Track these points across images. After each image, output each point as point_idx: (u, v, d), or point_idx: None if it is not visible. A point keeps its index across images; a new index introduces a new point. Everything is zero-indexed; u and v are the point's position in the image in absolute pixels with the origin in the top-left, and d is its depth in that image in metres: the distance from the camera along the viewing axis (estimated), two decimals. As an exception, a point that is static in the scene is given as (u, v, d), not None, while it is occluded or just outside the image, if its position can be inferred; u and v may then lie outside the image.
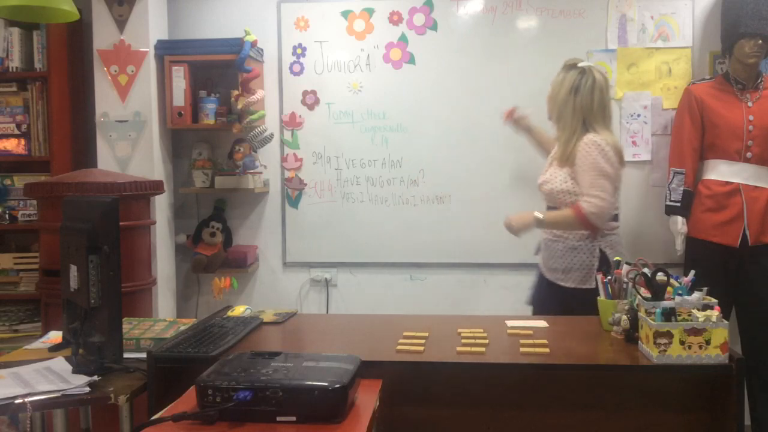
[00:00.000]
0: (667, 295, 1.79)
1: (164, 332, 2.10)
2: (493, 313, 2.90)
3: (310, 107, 3.58)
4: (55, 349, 2.07)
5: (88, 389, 1.74)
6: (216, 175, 3.50)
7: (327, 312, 3.61)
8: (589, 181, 2.58)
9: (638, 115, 3.44)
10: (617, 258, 2.08)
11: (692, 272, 1.88)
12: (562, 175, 2.66)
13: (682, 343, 1.67)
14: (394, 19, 3.52)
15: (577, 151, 2.61)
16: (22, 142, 3.42)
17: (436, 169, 3.51)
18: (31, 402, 1.65)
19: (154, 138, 3.40)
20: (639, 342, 1.81)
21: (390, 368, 1.73)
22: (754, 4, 2.98)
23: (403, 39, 3.52)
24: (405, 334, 1.95)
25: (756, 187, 3.05)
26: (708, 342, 1.66)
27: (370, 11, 3.53)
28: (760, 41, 2.98)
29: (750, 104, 3.08)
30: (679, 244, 3.17)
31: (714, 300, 1.75)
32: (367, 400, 1.52)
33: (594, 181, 2.57)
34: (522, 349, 1.81)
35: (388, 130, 3.54)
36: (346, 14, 3.54)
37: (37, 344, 2.20)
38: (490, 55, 3.48)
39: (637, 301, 1.85)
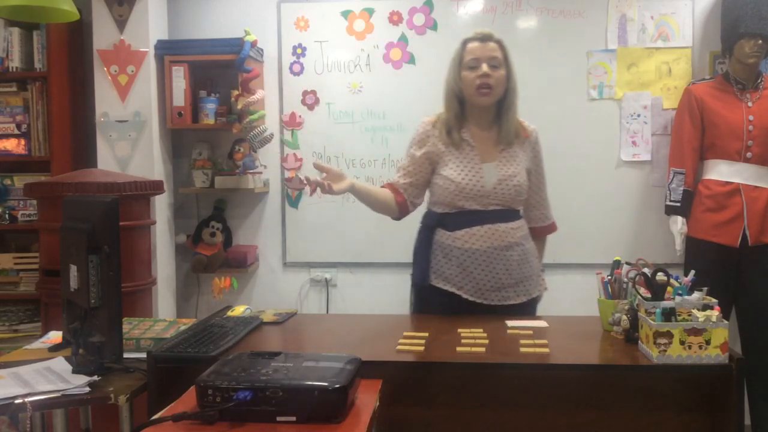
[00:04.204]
0: (667, 295, 1.79)
1: (164, 332, 2.10)
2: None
3: (310, 107, 3.58)
4: (55, 349, 2.07)
5: (88, 389, 1.74)
6: (216, 175, 3.50)
7: (327, 312, 3.62)
8: (546, 186, 2.43)
9: (638, 115, 3.44)
10: (617, 258, 2.08)
11: (692, 272, 1.88)
12: (523, 168, 2.31)
13: (682, 343, 1.67)
14: (394, 19, 3.52)
15: (535, 141, 2.36)
16: (22, 142, 3.42)
17: (436, 169, 3.51)
18: (31, 402, 1.65)
19: (154, 138, 3.40)
20: (639, 342, 1.81)
21: (390, 368, 1.73)
22: (754, 4, 2.98)
23: (403, 39, 3.52)
24: (405, 334, 1.95)
25: (756, 187, 3.05)
26: (708, 342, 1.66)
27: (370, 11, 3.53)
28: (760, 41, 2.98)
29: (750, 104, 3.08)
30: (679, 244, 3.17)
31: (714, 300, 1.75)
32: (367, 400, 1.52)
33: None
34: (522, 349, 1.81)
35: (388, 130, 3.55)
36: (346, 14, 3.54)
37: (37, 344, 2.19)
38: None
39: (637, 301, 1.84)
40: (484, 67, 2.24)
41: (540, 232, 2.43)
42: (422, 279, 2.32)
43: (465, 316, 2.20)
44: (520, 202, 2.32)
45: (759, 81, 3.11)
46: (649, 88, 3.44)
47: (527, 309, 2.30)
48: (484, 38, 2.28)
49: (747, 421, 3.04)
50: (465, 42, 2.32)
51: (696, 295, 1.76)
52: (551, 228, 2.47)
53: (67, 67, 3.47)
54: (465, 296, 2.26)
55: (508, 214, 2.28)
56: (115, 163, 3.39)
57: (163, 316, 3.35)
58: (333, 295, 3.64)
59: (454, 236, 2.27)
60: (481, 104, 2.30)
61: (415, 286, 2.38)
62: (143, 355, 1.80)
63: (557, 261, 3.46)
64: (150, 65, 3.39)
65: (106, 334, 1.83)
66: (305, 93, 3.58)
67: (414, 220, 3.55)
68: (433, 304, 2.31)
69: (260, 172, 3.57)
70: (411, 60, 3.53)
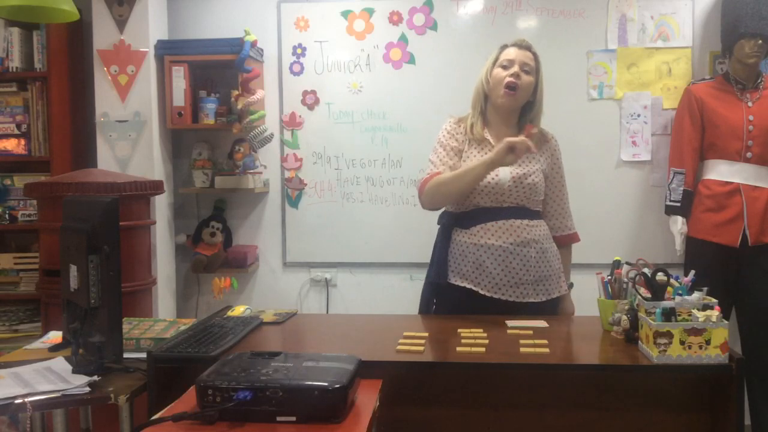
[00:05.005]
0: (667, 295, 1.79)
1: (164, 332, 2.10)
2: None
3: (310, 107, 3.58)
4: (55, 349, 2.07)
5: (88, 389, 1.74)
6: (216, 175, 3.50)
7: (327, 312, 3.62)
8: (567, 196, 2.44)
9: (638, 115, 3.44)
10: (617, 258, 2.08)
11: (692, 272, 1.88)
12: (539, 169, 2.34)
13: (682, 343, 1.67)
14: (394, 19, 3.52)
15: (554, 148, 2.41)
16: (22, 142, 3.42)
17: (436, 169, 3.51)
18: (31, 402, 1.65)
19: (154, 138, 3.40)
20: (639, 342, 1.81)
21: (390, 368, 1.73)
22: (754, 4, 2.98)
23: (403, 39, 3.52)
24: (405, 334, 1.95)
25: (756, 187, 3.05)
26: (708, 342, 1.66)
27: (370, 11, 3.53)
28: (760, 41, 2.98)
29: (750, 104, 3.08)
30: (679, 244, 3.17)
31: (714, 300, 1.75)
32: (367, 400, 1.52)
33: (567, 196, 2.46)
34: (522, 349, 1.81)
35: (388, 130, 3.55)
36: (346, 14, 3.54)
37: (37, 344, 2.19)
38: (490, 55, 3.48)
39: (637, 301, 1.85)
40: (516, 68, 2.29)
41: (560, 242, 2.42)
42: (439, 277, 2.33)
43: (467, 315, 2.20)
44: (537, 202, 2.34)
45: (759, 81, 3.11)
46: (649, 88, 3.44)
47: (547, 308, 2.30)
48: (523, 46, 2.35)
49: (747, 421, 3.04)
50: (503, 46, 2.38)
51: (696, 295, 1.76)
52: (572, 238, 2.45)
53: (67, 67, 3.47)
54: (482, 292, 2.26)
55: (524, 212, 2.30)
56: (115, 163, 3.39)
57: (163, 316, 3.35)
58: (333, 295, 3.64)
59: (470, 233, 2.29)
60: (502, 105, 2.33)
61: (432, 284, 2.38)
62: (143, 355, 1.80)
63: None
64: (150, 65, 3.39)
65: (106, 334, 1.83)
66: (305, 93, 3.58)
67: (416, 220, 3.57)
68: (451, 301, 2.33)
69: (260, 172, 3.57)
70: (411, 60, 3.53)
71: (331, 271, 3.63)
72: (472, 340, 1.88)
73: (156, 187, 3.14)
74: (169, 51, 3.43)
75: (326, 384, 1.39)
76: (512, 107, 2.34)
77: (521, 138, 2.15)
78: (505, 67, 2.31)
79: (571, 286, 2.42)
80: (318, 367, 1.49)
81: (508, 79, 2.28)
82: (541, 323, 2.11)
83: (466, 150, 2.35)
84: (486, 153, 2.31)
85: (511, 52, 2.33)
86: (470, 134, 2.35)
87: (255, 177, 3.51)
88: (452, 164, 2.33)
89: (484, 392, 1.80)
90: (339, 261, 3.62)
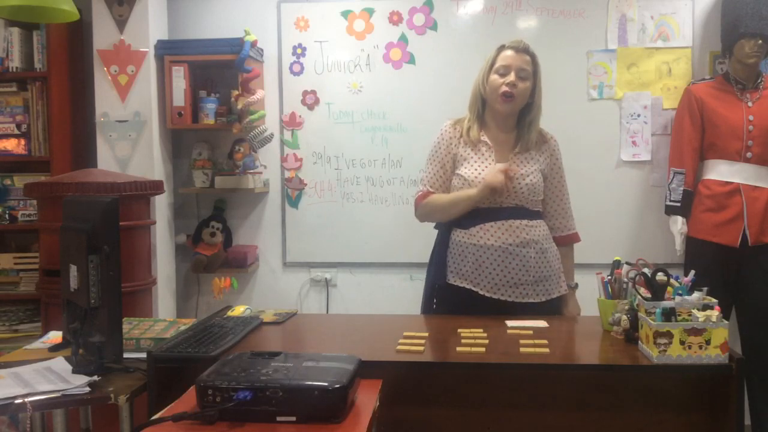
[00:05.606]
0: (667, 295, 1.79)
1: (164, 332, 2.10)
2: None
3: (310, 107, 3.58)
4: (55, 349, 2.07)
5: (88, 389, 1.74)
6: (216, 175, 3.50)
7: (327, 312, 3.62)
8: (567, 195, 2.44)
9: (638, 115, 3.44)
10: (617, 258, 2.08)
11: (692, 272, 1.88)
12: (537, 170, 2.33)
13: (682, 343, 1.67)
14: (394, 19, 3.52)
15: (554, 148, 2.40)
16: (22, 142, 3.42)
17: (436, 169, 3.51)
18: (31, 402, 1.65)
19: (154, 138, 3.40)
20: (639, 342, 1.81)
21: (390, 368, 1.73)
22: (754, 4, 2.98)
23: (403, 39, 3.52)
24: (405, 334, 1.95)
25: (756, 187, 3.05)
26: (708, 342, 1.66)
27: (370, 11, 3.53)
28: (760, 41, 2.98)
29: (750, 104, 3.08)
30: (679, 244, 3.17)
31: (714, 300, 1.75)
32: (367, 400, 1.52)
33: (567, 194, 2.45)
34: (522, 349, 1.81)
35: (388, 130, 3.55)
36: (346, 14, 3.54)
37: (37, 344, 2.19)
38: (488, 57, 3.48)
39: (637, 301, 1.85)
40: (512, 76, 2.28)
41: (561, 242, 2.41)
42: (439, 277, 2.34)
43: (467, 315, 2.20)
44: (536, 202, 2.34)
45: (759, 81, 3.11)
46: (649, 88, 3.44)
47: (547, 309, 2.29)
48: (520, 49, 2.32)
49: (747, 421, 3.04)
50: (500, 48, 2.36)
51: (696, 295, 1.76)
52: (573, 238, 2.44)
53: (67, 67, 3.47)
54: (481, 292, 2.26)
55: (523, 212, 2.29)
56: (115, 163, 3.39)
57: (163, 316, 3.35)
58: (333, 295, 3.64)
59: (470, 233, 2.29)
60: (499, 111, 2.33)
61: (432, 285, 2.39)
62: (143, 355, 1.80)
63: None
64: (150, 65, 3.39)
65: (106, 334, 1.83)
66: (305, 93, 3.58)
67: (416, 221, 3.56)
68: (450, 301, 2.34)
69: (260, 172, 3.57)
70: (411, 60, 3.53)
71: (331, 271, 3.63)
72: (472, 340, 1.88)
73: (156, 187, 3.14)
74: (169, 51, 3.43)
75: (326, 384, 1.39)
76: (509, 112, 2.35)
77: (501, 178, 2.18)
78: (501, 74, 2.30)
79: (576, 286, 2.42)
80: (318, 367, 1.49)
81: (504, 88, 2.28)
82: (541, 323, 2.11)
83: (461, 152, 2.35)
84: (481, 155, 2.33)
85: (508, 56, 2.31)
86: (466, 137, 2.36)
87: (255, 177, 3.51)
88: (444, 180, 2.37)
89: (484, 392, 1.80)
90: (339, 261, 3.62)
